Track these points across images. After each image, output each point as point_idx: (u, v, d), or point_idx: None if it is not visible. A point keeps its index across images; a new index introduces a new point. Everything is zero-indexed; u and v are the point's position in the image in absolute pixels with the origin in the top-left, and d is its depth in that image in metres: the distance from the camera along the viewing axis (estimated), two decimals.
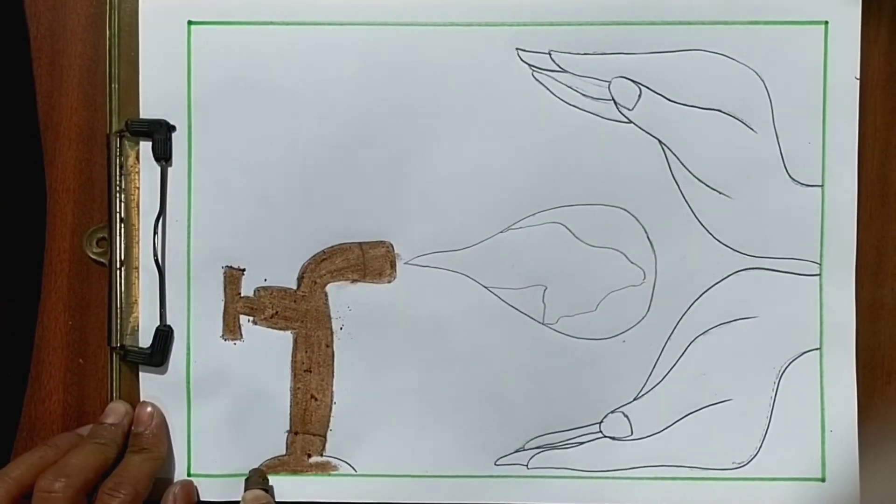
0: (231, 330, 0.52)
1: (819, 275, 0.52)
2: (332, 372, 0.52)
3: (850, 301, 0.52)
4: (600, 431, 0.52)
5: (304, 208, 0.51)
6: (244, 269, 0.52)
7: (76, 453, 0.47)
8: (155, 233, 0.51)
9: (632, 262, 0.52)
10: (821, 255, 0.52)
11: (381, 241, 0.52)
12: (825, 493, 0.52)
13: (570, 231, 0.51)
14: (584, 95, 0.51)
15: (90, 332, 0.53)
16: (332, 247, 0.52)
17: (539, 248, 0.52)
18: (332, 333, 0.52)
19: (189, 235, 0.51)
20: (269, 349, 0.52)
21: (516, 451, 0.52)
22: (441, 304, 0.52)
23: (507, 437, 0.52)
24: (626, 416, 0.52)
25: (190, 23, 0.51)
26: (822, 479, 0.52)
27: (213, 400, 0.52)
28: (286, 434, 0.52)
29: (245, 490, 0.51)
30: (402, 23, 0.51)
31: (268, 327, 0.52)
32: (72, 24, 0.53)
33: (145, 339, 0.51)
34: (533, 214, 0.52)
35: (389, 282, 0.52)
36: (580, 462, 0.52)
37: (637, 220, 0.52)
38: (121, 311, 0.51)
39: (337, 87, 0.51)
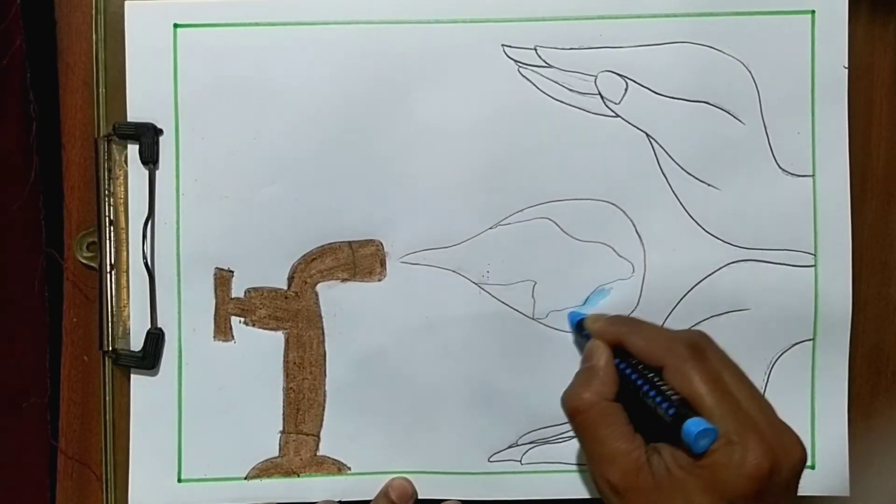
0: (222, 331, 0.50)
1: (814, 266, 0.50)
2: (325, 371, 0.50)
3: (847, 291, 0.50)
4: None
5: (293, 208, 0.49)
6: (234, 271, 0.49)
7: None
8: (144, 236, 0.49)
9: (620, 256, 0.49)
10: (815, 246, 0.50)
11: (371, 240, 0.50)
12: (815, 480, 0.50)
13: (558, 226, 0.49)
14: (570, 90, 0.49)
15: (93, 330, 0.50)
16: (322, 246, 0.50)
17: (528, 244, 0.49)
18: (323, 333, 0.50)
19: (178, 238, 0.49)
20: (260, 350, 0.50)
21: (509, 447, 0.50)
22: (431, 301, 0.50)
23: (499, 433, 0.50)
24: None
25: (176, 26, 0.49)
26: (812, 467, 0.50)
27: (204, 402, 0.50)
28: (279, 435, 0.50)
29: None
30: (387, 21, 0.49)
31: (259, 328, 0.50)
32: (76, 22, 0.50)
33: (136, 343, 0.49)
34: (521, 210, 0.49)
35: (380, 280, 0.50)
36: (574, 456, 0.50)
37: (625, 213, 0.49)
38: (111, 315, 0.49)
39: (323, 87, 0.49)
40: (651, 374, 0.42)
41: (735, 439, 0.39)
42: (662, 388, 0.41)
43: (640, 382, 0.42)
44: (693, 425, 0.39)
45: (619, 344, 0.45)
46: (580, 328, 0.48)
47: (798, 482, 0.40)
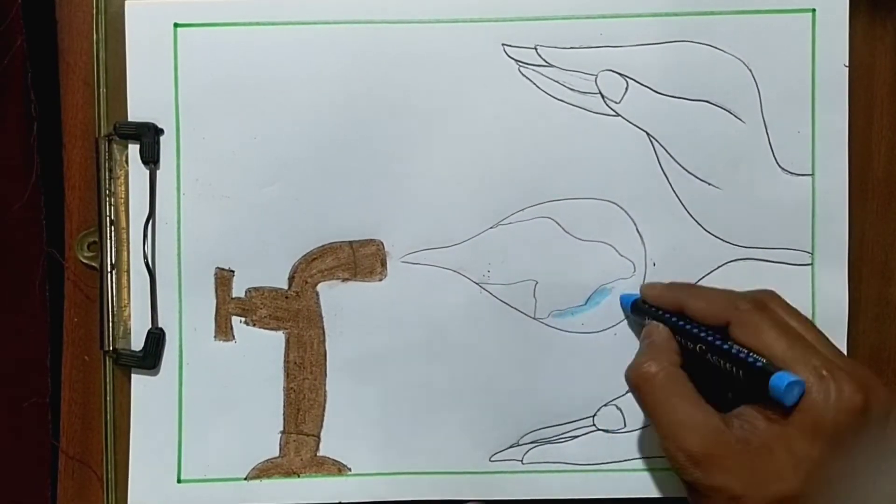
0: (223, 331, 0.49)
1: (811, 264, 0.49)
2: (325, 371, 0.49)
3: (843, 290, 0.49)
4: (594, 424, 0.50)
5: (294, 208, 0.49)
6: (234, 270, 0.49)
7: None
8: (145, 236, 0.48)
9: (621, 255, 0.49)
10: (812, 245, 0.49)
11: (372, 240, 0.49)
12: None
13: (559, 225, 0.49)
14: (570, 90, 0.49)
15: (93, 330, 0.50)
16: (323, 246, 0.49)
17: (529, 243, 0.49)
18: (324, 332, 0.49)
19: (179, 238, 0.49)
20: (261, 350, 0.49)
21: (511, 447, 0.50)
22: (432, 301, 0.49)
23: (501, 433, 0.50)
24: (620, 409, 0.49)
25: (176, 25, 0.48)
26: None
27: (205, 402, 0.49)
28: (279, 435, 0.49)
29: None
30: (388, 20, 0.48)
31: (260, 328, 0.49)
32: (77, 22, 0.50)
33: (137, 342, 0.49)
34: (522, 210, 0.49)
35: (380, 280, 0.49)
36: (575, 455, 0.50)
37: (626, 213, 0.49)
38: (112, 315, 0.49)
39: (324, 86, 0.48)
40: (716, 339, 0.41)
41: (825, 374, 0.38)
42: (734, 349, 0.40)
43: (709, 343, 0.41)
44: (780, 379, 0.37)
45: (678, 308, 0.44)
46: (636, 309, 0.47)
47: (893, 424, 0.39)
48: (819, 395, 0.37)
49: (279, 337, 0.49)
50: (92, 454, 0.50)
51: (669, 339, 0.44)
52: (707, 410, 0.40)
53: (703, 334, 0.42)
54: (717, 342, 0.41)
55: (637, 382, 0.42)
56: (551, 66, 0.48)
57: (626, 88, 0.48)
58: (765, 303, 0.42)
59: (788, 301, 0.48)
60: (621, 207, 0.49)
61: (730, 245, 0.49)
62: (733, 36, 0.48)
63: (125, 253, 0.49)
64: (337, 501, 0.49)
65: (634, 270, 0.49)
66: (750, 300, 0.42)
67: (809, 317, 0.49)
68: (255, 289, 0.49)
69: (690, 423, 0.39)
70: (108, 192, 0.48)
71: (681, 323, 0.44)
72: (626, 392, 0.48)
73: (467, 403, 0.49)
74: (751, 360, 0.39)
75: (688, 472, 0.39)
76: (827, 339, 0.41)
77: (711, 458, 0.39)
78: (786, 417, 0.38)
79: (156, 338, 0.48)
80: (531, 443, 0.49)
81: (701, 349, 0.42)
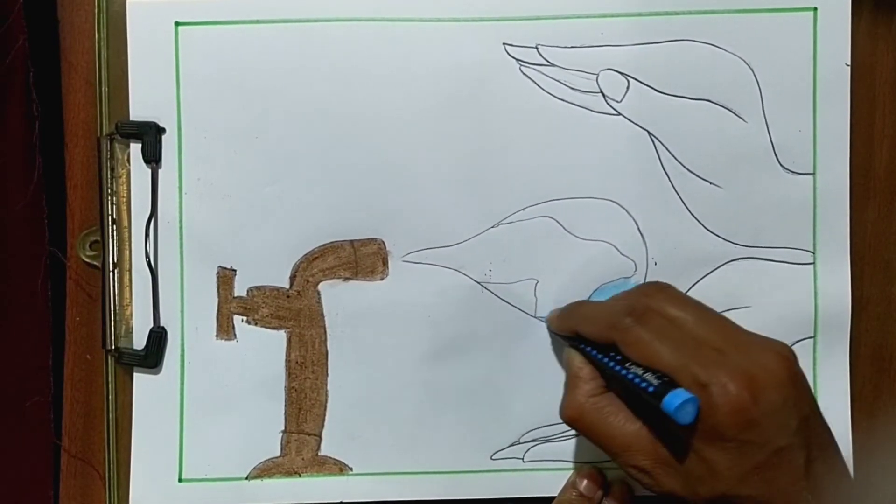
0: (225, 330, 0.49)
1: (813, 263, 0.49)
2: (327, 371, 0.49)
3: (846, 289, 0.49)
4: None
5: (295, 207, 0.48)
6: (236, 269, 0.49)
7: None
8: (146, 235, 0.48)
9: (623, 255, 0.49)
10: (814, 244, 0.49)
11: (373, 239, 0.49)
12: None
13: (560, 225, 0.49)
14: (572, 89, 0.48)
15: (96, 329, 0.50)
16: (324, 245, 0.49)
17: (530, 243, 0.49)
18: (325, 332, 0.49)
19: (181, 236, 0.48)
20: (263, 349, 0.49)
21: (512, 445, 0.49)
22: (434, 300, 0.49)
23: (502, 432, 0.49)
24: None
25: (177, 24, 0.48)
26: None
27: (206, 401, 0.49)
28: (281, 434, 0.49)
29: None
30: (390, 19, 0.48)
31: (261, 327, 0.49)
32: (79, 21, 0.50)
33: (139, 341, 0.49)
34: (523, 209, 0.49)
35: (382, 279, 0.49)
36: (576, 454, 0.50)
37: (627, 212, 0.49)
38: (114, 314, 0.48)
39: (325, 85, 0.48)
40: (614, 364, 0.41)
41: (704, 380, 0.37)
42: (629, 374, 0.40)
43: (609, 368, 0.41)
44: (669, 403, 0.37)
45: (576, 335, 0.44)
46: (555, 333, 0.48)
47: (802, 394, 0.38)
48: (706, 403, 0.37)
49: (281, 336, 0.49)
50: (94, 453, 0.50)
51: (584, 365, 0.44)
52: (638, 424, 0.41)
53: (604, 360, 0.42)
54: (616, 367, 0.41)
55: (570, 420, 0.43)
56: (552, 65, 0.48)
57: (628, 87, 0.48)
58: (646, 309, 0.41)
59: (790, 301, 0.48)
60: (622, 206, 0.48)
61: (731, 244, 0.49)
62: (735, 35, 0.48)
63: (127, 252, 0.48)
64: (338, 501, 0.49)
65: (636, 269, 0.49)
66: (631, 311, 0.41)
67: (811, 317, 0.49)
68: (257, 288, 0.49)
69: (628, 442, 0.41)
70: (109, 191, 0.48)
71: (587, 349, 0.43)
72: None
73: (468, 402, 0.49)
74: (643, 385, 0.39)
75: (642, 482, 0.41)
76: (720, 322, 0.40)
77: (655, 468, 0.40)
78: (692, 428, 0.38)
79: (157, 337, 0.48)
80: (532, 441, 0.49)
81: (611, 372, 0.42)
